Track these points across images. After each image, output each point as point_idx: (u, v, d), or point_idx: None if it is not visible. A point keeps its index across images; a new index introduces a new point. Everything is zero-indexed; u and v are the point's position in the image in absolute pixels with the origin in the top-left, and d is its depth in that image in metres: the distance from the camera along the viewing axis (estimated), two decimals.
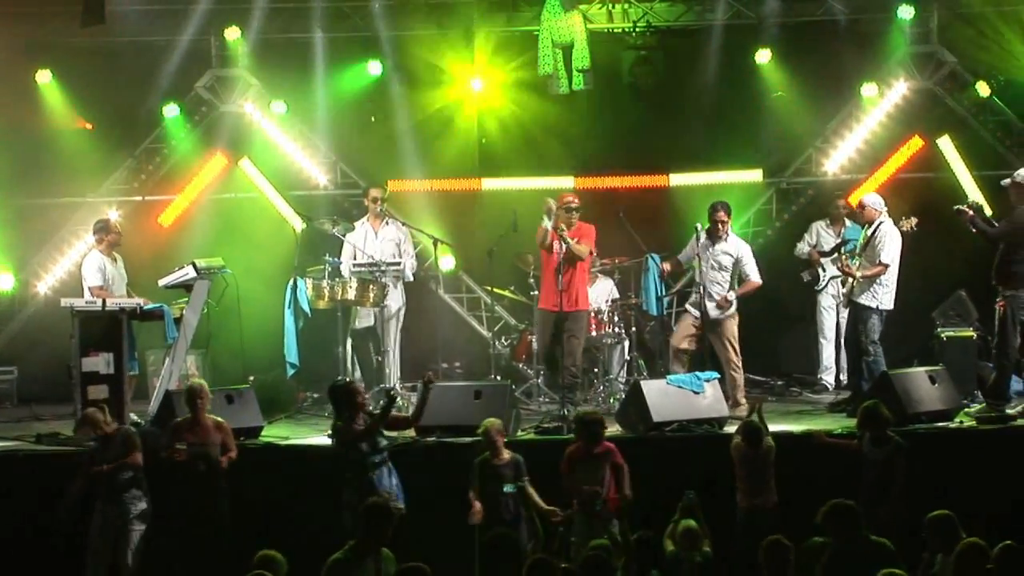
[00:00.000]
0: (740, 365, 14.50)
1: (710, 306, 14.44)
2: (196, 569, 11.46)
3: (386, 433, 11.47)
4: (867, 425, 11.53)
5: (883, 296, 14.32)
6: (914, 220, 14.73)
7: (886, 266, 14.24)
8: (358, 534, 9.70)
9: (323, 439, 13.10)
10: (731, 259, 14.59)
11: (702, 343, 14.56)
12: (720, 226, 14.57)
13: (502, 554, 9.60)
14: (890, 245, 14.30)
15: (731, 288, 14.56)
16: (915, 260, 15.00)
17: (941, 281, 15.99)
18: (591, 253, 14.47)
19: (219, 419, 11.89)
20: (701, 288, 14.44)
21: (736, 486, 11.50)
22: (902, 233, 14.76)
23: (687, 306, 14.77)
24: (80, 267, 15.31)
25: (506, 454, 11.33)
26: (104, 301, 13.88)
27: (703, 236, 14.64)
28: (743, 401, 14.24)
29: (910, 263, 14.68)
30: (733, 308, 14.58)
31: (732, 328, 14.56)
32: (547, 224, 13.98)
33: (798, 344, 17.28)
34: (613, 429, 13.22)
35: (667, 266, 14.95)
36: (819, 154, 17.93)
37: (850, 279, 14.45)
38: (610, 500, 10.95)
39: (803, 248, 16.07)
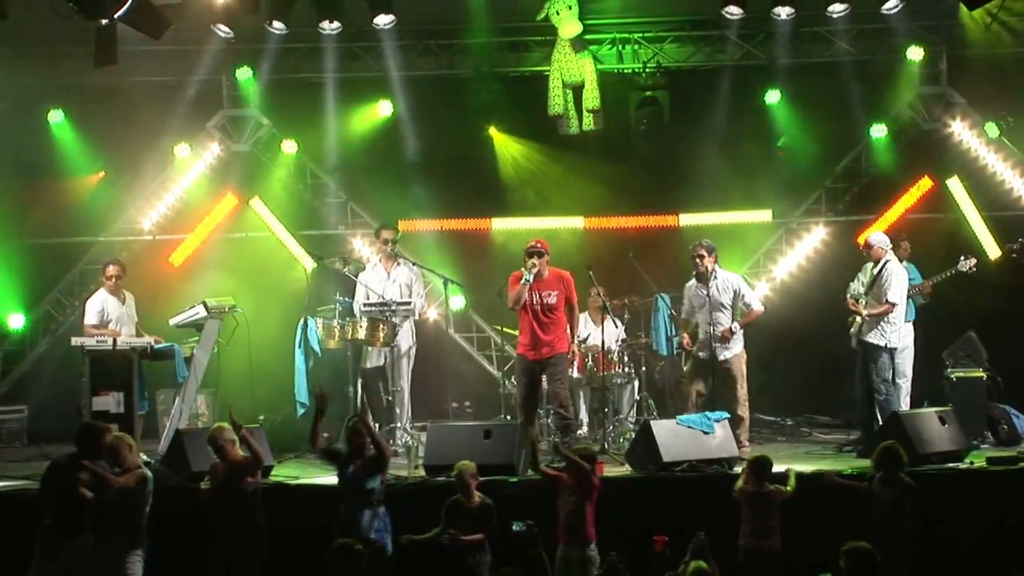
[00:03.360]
0: (747, 404, 14.48)
1: (718, 347, 14.43)
2: None
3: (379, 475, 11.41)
4: (884, 465, 11.48)
5: (891, 334, 14.33)
6: (974, 260, 14.84)
7: (893, 305, 14.26)
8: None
9: (333, 479, 13.08)
10: (730, 295, 14.58)
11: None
12: (699, 261, 14.55)
13: None
14: (896, 283, 14.31)
15: (734, 321, 14.53)
16: (925, 301, 15.03)
17: (951, 321, 15.95)
18: (572, 302, 14.47)
19: (244, 455, 11.65)
20: (711, 330, 14.42)
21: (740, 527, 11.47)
22: (963, 273, 14.83)
23: (695, 351, 14.69)
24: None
25: (476, 498, 11.30)
26: (115, 340, 13.89)
27: (692, 283, 14.64)
28: (747, 443, 14.22)
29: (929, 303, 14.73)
30: (741, 347, 14.58)
31: (741, 367, 14.55)
32: (528, 277, 14.04)
33: (815, 385, 17.24)
34: (623, 469, 13.22)
35: (687, 337, 14.84)
36: (828, 194, 17.96)
37: (858, 318, 14.45)
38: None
39: (857, 288, 15.73)
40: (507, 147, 18.27)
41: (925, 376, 15.55)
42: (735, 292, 14.59)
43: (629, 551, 11.04)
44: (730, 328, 14.38)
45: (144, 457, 12.91)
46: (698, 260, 14.50)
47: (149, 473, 11.24)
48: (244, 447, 11.40)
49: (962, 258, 15.21)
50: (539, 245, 14.16)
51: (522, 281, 14.01)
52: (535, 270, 14.00)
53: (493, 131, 18.20)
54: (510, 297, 14.18)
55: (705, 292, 14.49)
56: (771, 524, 11.27)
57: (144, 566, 11.11)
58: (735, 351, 14.53)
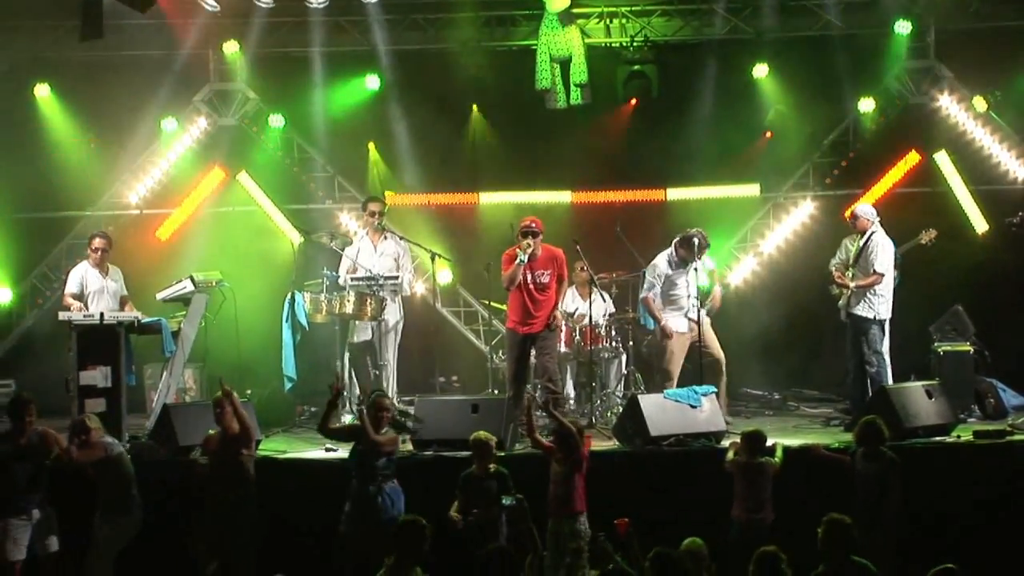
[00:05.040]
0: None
1: (693, 324, 14.61)
2: None
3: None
4: (865, 440, 11.51)
5: (879, 306, 14.35)
6: (934, 233, 14.85)
7: (880, 275, 14.28)
8: (395, 551, 9.69)
9: (320, 453, 13.09)
10: (703, 274, 14.75)
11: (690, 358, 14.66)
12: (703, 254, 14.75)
13: (499, 569, 9.57)
14: (882, 255, 14.33)
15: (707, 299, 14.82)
16: (912, 274, 15.03)
17: (938, 295, 15.97)
18: (563, 280, 14.46)
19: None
20: (685, 307, 14.57)
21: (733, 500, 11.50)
22: (922, 246, 14.84)
23: (672, 328, 14.75)
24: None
25: (491, 468, 11.35)
26: (102, 315, 13.85)
27: (675, 262, 14.70)
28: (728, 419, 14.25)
29: (907, 277, 14.71)
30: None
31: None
32: (522, 258, 13.99)
33: (803, 359, 17.28)
34: (610, 443, 13.23)
35: (665, 320, 14.91)
36: (815, 168, 17.96)
37: (845, 291, 14.48)
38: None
39: (837, 262, 15.78)
40: (495, 121, 18.20)
41: (912, 350, 15.57)
42: (709, 271, 14.79)
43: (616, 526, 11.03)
44: (717, 295, 14.85)
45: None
46: (703, 253, 14.67)
47: (116, 451, 11.39)
48: (235, 418, 11.48)
49: (923, 231, 15.21)
50: (534, 225, 14.09)
51: (516, 262, 13.96)
52: (530, 251, 13.96)
53: (480, 105, 18.16)
54: (504, 277, 14.14)
55: (686, 274, 14.63)
56: (764, 496, 11.33)
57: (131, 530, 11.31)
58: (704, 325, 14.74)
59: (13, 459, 11.28)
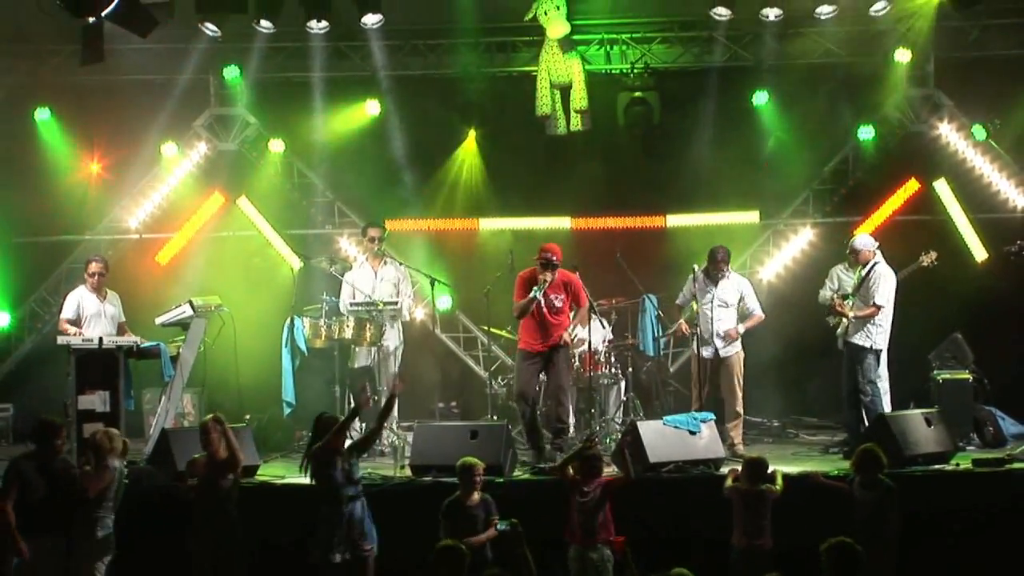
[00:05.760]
0: (742, 403, 14.62)
1: (718, 343, 14.66)
2: None
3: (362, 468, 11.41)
4: (863, 468, 11.49)
5: (877, 336, 14.34)
6: (934, 254, 14.84)
7: (879, 307, 14.27)
8: None
9: None
10: (736, 296, 14.75)
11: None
12: (724, 267, 14.74)
13: None
14: (883, 286, 14.32)
15: (738, 322, 14.70)
16: (911, 302, 15.02)
17: (937, 323, 15.97)
18: (581, 306, 14.37)
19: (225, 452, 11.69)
20: (709, 327, 14.56)
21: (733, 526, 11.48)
22: (923, 268, 14.83)
23: (696, 347, 14.75)
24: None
25: (476, 495, 11.33)
26: (101, 339, 13.85)
27: (700, 277, 14.75)
28: (742, 450, 14.24)
29: (906, 305, 14.70)
30: (739, 345, 14.71)
31: (740, 364, 14.70)
32: (536, 293, 13.89)
33: (802, 386, 17.27)
34: (609, 470, 13.19)
35: (684, 324, 15.06)
36: (816, 196, 17.97)
37: (844, 320, 14.47)
38: (615, 541, 10.86)
39: (826, 294, 15.74)
40: (495, 147, 18.19)
41: (911, 378, 15.57)
42: (741, 294, 14.79)
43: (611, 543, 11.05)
44: (736, 329, 14.71)
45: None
46: (723, 266, 14.78)
47: (118, 480, 11.28)
48: (224, 444, 11.44)
49: (923, 253, 15.19)
50: (555, 258, 13.90)
51: (531, 296, 13.81)
52: (546, 285, 13.89)
53: (481, 131, 18.15)
54: (516, 306, 14.02)
55: (716, 288, 14.70)
56: (763, 523, 11.31)
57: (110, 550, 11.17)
58: (737, 348, 14.76)
59: (48, 488, 11.11)
